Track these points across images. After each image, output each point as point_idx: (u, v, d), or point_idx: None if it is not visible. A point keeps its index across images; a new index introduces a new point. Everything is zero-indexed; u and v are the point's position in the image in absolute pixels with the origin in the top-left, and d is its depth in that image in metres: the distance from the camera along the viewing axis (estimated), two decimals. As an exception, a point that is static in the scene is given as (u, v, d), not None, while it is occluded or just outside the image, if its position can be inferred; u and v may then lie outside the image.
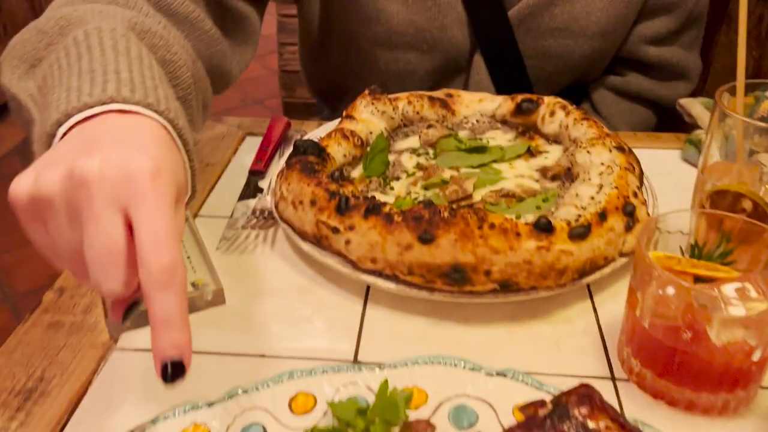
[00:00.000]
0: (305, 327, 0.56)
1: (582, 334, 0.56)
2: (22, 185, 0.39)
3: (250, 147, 0.83)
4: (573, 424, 0.38)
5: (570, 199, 0.60)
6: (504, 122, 0.79)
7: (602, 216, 0.56)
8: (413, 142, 0.76)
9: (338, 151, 0.68)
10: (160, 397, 0.48)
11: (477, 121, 0.79)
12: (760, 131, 0.54)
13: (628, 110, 0.99)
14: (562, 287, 0.55)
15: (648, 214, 0.61)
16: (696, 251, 0.51)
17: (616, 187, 0.59)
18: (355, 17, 0.88)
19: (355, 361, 0.52)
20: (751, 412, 0.48)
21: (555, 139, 0.75)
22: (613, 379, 0.51)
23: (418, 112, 0.78)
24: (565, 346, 0.54)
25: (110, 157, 0.38)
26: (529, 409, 0.41)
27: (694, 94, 0.97)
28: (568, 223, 0.55)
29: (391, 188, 0.68)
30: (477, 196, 0.65)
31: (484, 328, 0.56)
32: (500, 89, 0.90)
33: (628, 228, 0.58)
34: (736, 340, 0.44)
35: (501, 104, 0.78)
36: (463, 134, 0.77)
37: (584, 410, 0.39)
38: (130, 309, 0.41)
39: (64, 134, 0.43)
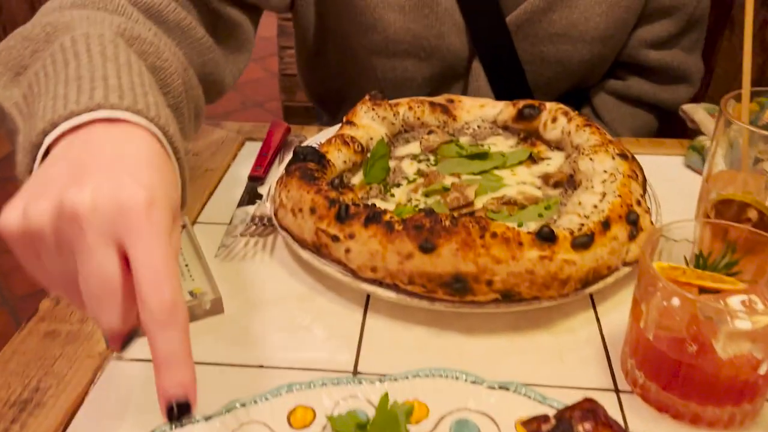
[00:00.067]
0: (304, 336, 0.56)
1: (585, 344, 0.55)
2: (11, 218, 0.37)
3: (250, 152, 0.82)
4: (577, 440, 0.37)
5: (573, 208, 0.60)
6: (505, 128, 0.78)
7: (605, 225, 0.56)
8: (414, 148, 0.75)
9: (338, 158, 0.68)
10: (158, 409, 0.47)
11: (478, 126, 0.78)
12: (766, 139, 0.53)
13: (629, 115, 0.98)
14: (564, 297, 0.55)
15: (651, 223, 0.60)
16: (701, 261, 0.50)
17: (620, 196, 0.59)
18: (352, 26, 0.87)
19: (355, 371, 0.52)
20: (757, 426, 0.48)
21: (557, 146, 0.74)
22: (616, 391, 0.51)
23: (418, 118, 0.78)
24: (567, 357, 0.54)
25: (101, 188, 0.36)
26: (532, 424, 0.40)
27: (696, 98, 0.97)
28: (571, 233, 0.54)
29: (392, 195, 0.67)
30: (478, 204, 0.65)
31: (485, 339, 0.55)
32: (499, 95, 0.89)
33: (632, 237, 0.57)
34: (743, 353, 0.44)
35: (502, 110, 0.78)
36: (464, 140, 0.76)
37: (588, 426, 0.38)
38: (129, 337, 0.40)
39: (51, 144, 0.42)
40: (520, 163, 0.71)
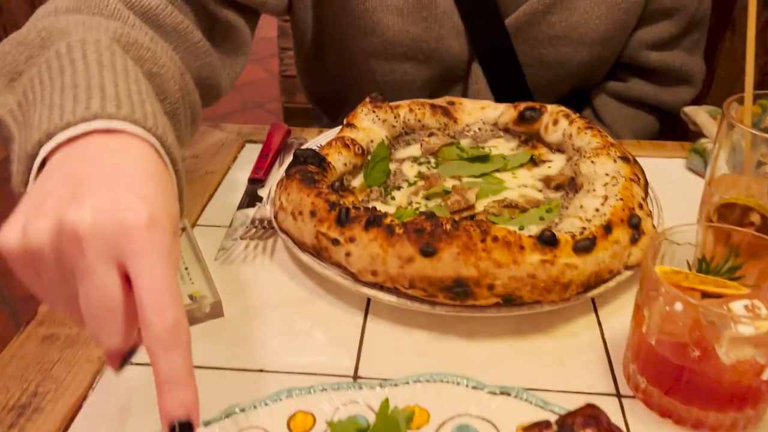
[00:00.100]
0: (304, 340, 0.55)
1: (586, 348, 0.55)
2: (11, 237, 0.37)
3: (250, 155, 0.82)
4: (579, 446, 0.37)
5: (574, 211, 0.59)
6: (506, 130, 0.78)
7: (607, 228, 0.55)
8: (414, 150, 0.75)
9: (339, 160, 0.68)
10: (157, 414, 0.47)
11: (479, 129, 0.78)
12: (768, 142, 0.53)
13: (630, 117, 0.98)
14: (566, 301, 0.54)
15: (653, 226, 0.60)
16: (703, 266, 0.50)
17: (621, 199, 0.58)
18: (350, 29, 0.87)
19: (356, 376, 0.52)
20: (760, 432, 0.47)
21: (558, 148, 0.74)
22: (618, 396, 0.50)
23: (419, 120, 0.77)
24: (569, 362, 0.53)
25: (101, 206, 0.36)
26: (534, 430, 0.40)
27: (697, 99, 0.97)
28: (573, 236, 0.54)
29: (392, 198, 0.67)
30: (479, 207, 0.64)
31: (486, 343, 0.55)
32: (499, 98, 0.89)
33: (634, 240, 0.57)
34: (746, 358, 0.43)
35: (503, 112, 0.78)
36: (465, 142, 0.76)
37: (590, 432, 0.38)
38: (128, 355, 0.40)
39: (47, 155, 0.41)
40: (521, 165, 0.71)
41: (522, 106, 0.76)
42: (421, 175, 0.70)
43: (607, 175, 0.63)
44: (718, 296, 0.47)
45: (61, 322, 0.57)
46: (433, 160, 0.73)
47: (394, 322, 0.57)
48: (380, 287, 0.55)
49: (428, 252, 0.52)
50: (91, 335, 0.37)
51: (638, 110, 0.97)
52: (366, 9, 0.83)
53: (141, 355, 0.52)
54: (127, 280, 0.36)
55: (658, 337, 0.46)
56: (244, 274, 0.63)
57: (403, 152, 0.75)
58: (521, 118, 0.75)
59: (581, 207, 0.59)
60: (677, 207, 0.67)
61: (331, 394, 0.45)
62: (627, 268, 0.57)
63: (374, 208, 0.58)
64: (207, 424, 0.44)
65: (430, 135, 0.76)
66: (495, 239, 0.52)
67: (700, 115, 0.83)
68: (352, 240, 0.55)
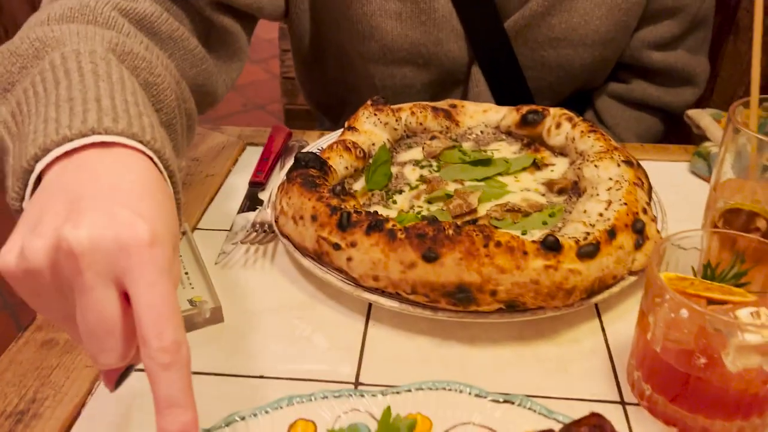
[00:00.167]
0: (305, 346, 0.55)
1: (590, 355, 0.54)
2: (9, 258, 0.36)
3: (251, 157, 0.81)
4: (584, 457, 0.37)
5: (578, 216, 0.59)
6: (509, 134, 0.77)
7: (611, 233, 0.55)
8: (416, 153, 0.74)
9: (340, 164, 0.67)
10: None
11: (481, 132, 0.78)
12: (774, 147, 0.52)
13: (633, 119, 0.97)
14: (569, 307, 0.54)
15: (657, 231, 0.59)
16: (708, 272, 0.49)
17: (625, 204, 0.58)
18: (348, 34, 0.86)
19: (357, 382, 0.51)
20: (767, 440, 0.47)
21: (561, 152, 0.73)
22: (622, 403, 0.50)
23: (421, 123, 0.77)
24: (572, 368, 0.53)
25: (99, 224, 0.35)
26: (538, 439, 0.39)
27: (700, 102, 0.96)
28: (577, 241, 0.53)
29: (394, 202, 0.66)
30: (482, 211, 0.64)
31: (489, 349, 0.55)
32: (500, 101, 0.88)
33: (638, 246, 0.56)
34: (752, 366, 0.43)
35: (506, 115, 0.77)
36: (467, 146, 0.75)
37: (595, 442, 0.37)
38: (124, 375, 0.39)
39: (43, 170, 0.40)
40: (524, 169, 0.71)
41: (524, 109, 0.75)
42: (423, 179, 0.70)
43: (610, 179, 0.62)
44: (724, 303, 0.46)
45: (60, 328, 0.57)
46: (435, 164, 0.72)
47: (396, 328, 0.56)
48: (382, 292, 0.55)
49: (430, 257, 0.52)
50: (88, 353, 0.36)
51: (641, 112, 0.97)
52: (364, 14, 0.82)
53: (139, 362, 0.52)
54: (126, 298, 0.35)
55: (663, 344, 0.46)
56: (244, 279, 0.62)
57: (404, 155, 0.74)
58: (524, 121, 0.75)
59: (585, 212, 0.59)
60: (681, 211, 0.67)
61: (332, 401, 0.45)
62: (631, 273, 0.57)
63: (376, 212, 0.57)
64: (207, 432, 0.43)
65: (432, 138, 0.75)
66: (498, 245, 0.51)
67: (704, 118, 0.82)
68: (353, 245, 0.55)
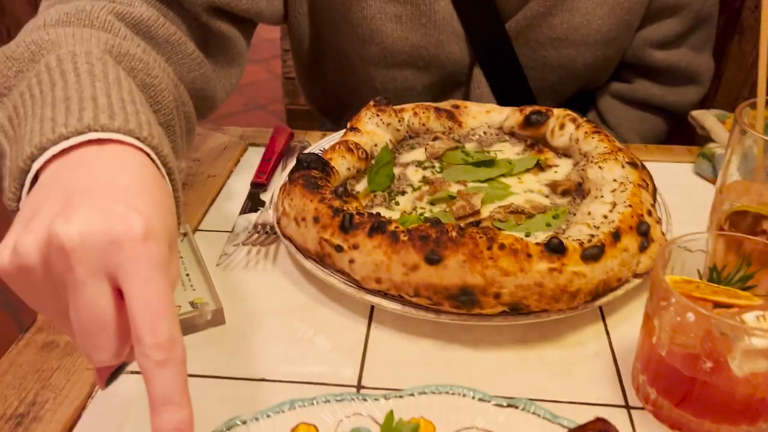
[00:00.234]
0: (307, 348, 0.55)
1: (594, 358, 0.54)
2: (3, 255, 0.36)
3: (252, 158, 0.81)
4: (589, 463, 0.36)
5: (582, 218, 0.58)
6: (512, 134, 0.77)
7: (616, 236, 0.54)
8: (419, 154, 0.74)
9: (342, 165, 0.67)
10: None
11: (484, 133, 0.77)
12: (780, 149, 0.52)
13: (636, 119, 0.96)
14: (573, 310, 0.53)
15: (662, 233, 0.59)
16: (714, 275, 0.49)
17: (630, 206, 0.57)
18: (348, 38, 0.85)
19: (359, 385, 0.51)
20: (773, 445, 0.46)
21: (565, 153, 0.73)
22: (627, 407, 0.49)
23: (423, 124, 0.76)
24: (576, 371, 0.52)
25: (91, 219, 0.34)
26: (542, 444, 0.39)
27: (704, 102, 0.95)
28: (581, 244, 0.53)
29: (397, 203, 0.66)
30: (485, 212, 0.63)
31: (492, 352, 0.54)
32: (502, 102, 0.88)
33: (643, 248, 0.56)
34: (759, 370, 0.42)
35: (509, 116, 0.77)
36: (470, 146, 0.75)
37: (601, 448, 0.37)
38: (116, 372, 0.39)
39: (40, 170, 0.40)
40: (527, 170, 0.70)
41: (528, 109, 0.75)
42: (425, 180, 0.69)
43: (615, 180, 0.62)
44: (730, 306, 0.46)
45: (56, 325, 0.56)
46: (437, 165, 0.72)
47: (399, 331, 0.56)
48: (384, 295, 0.55)
49: (433, 260, 0.51)
50: (81, 349, 0.36)
51: (644, 112, 0.96)
52: (364, 17, 0.82)
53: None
54: (120, 294, 0.35)
55: (668, 347, 0.45)
56: (246, 281, 0.62)
57: (407, 156, 0.74)
58: (527, 122, 0.74)
59: (589, 213, 0.58)
60: (685, 212, 0.66)
61: (335, 405, 0.44)
62: (635, 276, 0.56)
63: (378, 213, 0.57)
64: (208, 436, 0.43)
65: (435, 139, 0.75)
66: (501, 247, 0.51)
67: (708, 119, 0.81)
68: (355, 247, 0.54)
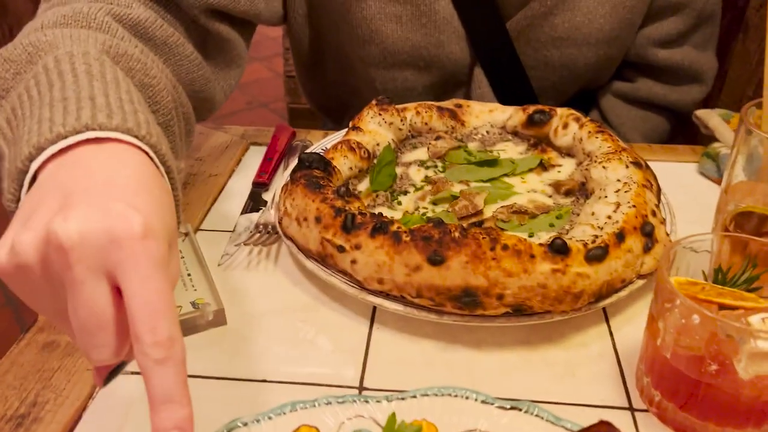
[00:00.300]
0: (308, 349, 0.54)
1: (598, 359, 0.53)
2: (1, 254, 0.36)
3: (254, 157, 0.80)
4: (593, 466, 0.36)
5: (586, 218, 0.58)
6: (515, 134, 0.76)
7: (620, 237, 0.54)
8: (421, 154, 0.74)
9: (344, 164, 0.66)
10: (157, 426, 0.46)
11: (487, 132, 0.77)
12: (786, 149, 0.51)
13: (639, 118, 0.96)
14: (577, 311, 0.53)
15: (667, 234, 0.58)
16: (720, 276, 0.48)
17: (634, 206, 0.57)
18: (348, 38, 0.85)
19: (361, 386, 0.50)
20: (779, 448, 0.46)
21: (568, 153, 0.72)
22: (631, 409, 0.49)
23: (426, 123, 0.76)
24: (580, 373, 0.52)
25: (89, 217, 0.34)
26: (546, 447, 0.38)
27: (708, 100, 0.95)
28: (585, 245, 0.53)
29: (399, 203, 0.66)
30: (488, 212, 0.63)
31: (495, 353, 0.54)
32: (503, 102, 0.87)
33: (647, 249, 0.55)
34: (765, 373, 0.42)
35: (512, 115, 0.76)
36: (472, 146, 0.75)
37: (605, 451, 0.36)
38: (115, 371, 0.38)
39: (38, 170, 0.40)
40: (531, 170, 0.70)
41: (531, 109, 0.74)
42: (428, 180, 0.69)
43: (618, 180, 0.61)
44: (736, 308, 0.45)
45: (55, 324, 0.56)
46: (440, 164, 0.72)
47: (401, 331, 0.56)
48: (386, 295, 0.54)
49: (436, 260, 0.51)
50: (81, 348, 0.36)
51: (647, 111, 0.95)
52: (364, 18, 0.81)
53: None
54: (119, 293, 0.35)
55: (673, 350, 0.45)
56: (247, 281, 0.62)
57: (409, 156, 0.73)
58: (530, 122, 0.74)
59: (593, 214, 0.58)
60: (689, 212, 0.66)
61: (336, 407, 0.44)
62: (639, 277, 0.56)
63: (380, 213, 0.57)
64: (209, 437, 0.43)
65: (437, 138, 0.74)
66: (505, 248, 0.51)
67: (713, 118, 0.81)
68: (357, 247, 0.54)
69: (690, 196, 0.72)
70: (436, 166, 0.71)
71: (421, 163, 0.72)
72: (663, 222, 0.59)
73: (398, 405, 0.44)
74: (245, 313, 0.58)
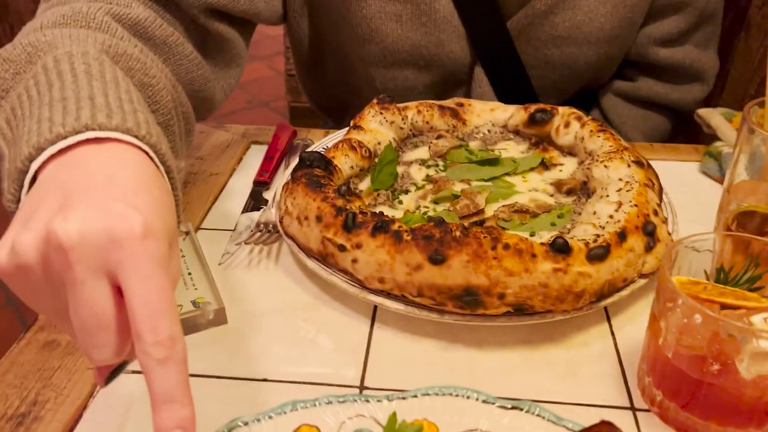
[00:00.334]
0: (309, 348, 0.54)
1: (599, 359, 0.53)
2: (1, 254, 0.36)
3: (255, 156, 0.80)
4: (595, 466, 0.36)
5: (587, 217, 0.58)
6: (516, 133, 0.76)
7: (621, 236, 0.54)
8: (422, 153, 0.74)
9: (345, 163, 0.66)
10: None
11: (488, 131, 0.77)
12: (789, 148, 0.51)
13: (640, 117, 0.96)
14: (578, 310, 0.53)
15: (669, 233, 0.58)
16: (722, 276, 0.48)
17: (636, 205, 0.57)
18: (348, 38, 0.85)
19: (362, 386, 0.50)
20: (781, 448, 0.46)
21: (570, 152, 0.72)
22: (633, 409, 0.49)
23: (427, 122, 0.76)
24: (581, 372, 0.52)
25: (89, 216, 0.34)
26: (547, 447, 0.38)
27: (710, 99, 0.94)
28: (586, 244, 0.52)
29: (400, 202, 0.66)
30: (489, 211, 0.63)
31: (496, 353, 0.54)
32: (504, 101, 0.87)
33: (649, 248, 0.55)
34: (767, 373, 0.42)
35: (513, 114, 0.76)
36: (474, 145, 0.74)
37: (606, 451, 0.36)
38: (116, 371, 0.38)
39: (38, 170, 0.40)
40: (532, 169, 0.70)
41: (532, 107, 0.74)
42: (429, 179, 0.69)
43: (620, 180, 0.61)
44: (738, 308, 0.45)
45: (56, 324, 0.56)
46: (441, 163, 0.71)
47: (402, 331, 0.56)
48: (387, 294, 0.54)
49: (437, 259, 0.51)
50: (81, 348, 0.36)
51: (648, 110, 0.95)
52: (363, 17, 0.81)
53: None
54: (120, 292, 0.35)
55: (675, 349, 0.45)
56: (248, 280, 0.62)
57: (410, 155, 0.73)
58: (532, 120, 0.74)
59: (594, 213, 0.58)
60: (691, 211, 0.66)
61: (337, 407, 0.44)
62: (641, 276, 0.56)
63: (381, 212, 0.57)
64: (209, 437, 0.43)
65: (439, 137, 0.74)
66: (506, 247, 0.50)
67: (715, 117, 0.81)
68: (358, 246, 0.54)
69: (692, 196, 0.72)
70: (437, 165, 0.71)
71: (423, 162, 0.72)
72: (665, 221, 0.59)
73: (399, 404, 0.44)
74: (246, 312, 0.58)
